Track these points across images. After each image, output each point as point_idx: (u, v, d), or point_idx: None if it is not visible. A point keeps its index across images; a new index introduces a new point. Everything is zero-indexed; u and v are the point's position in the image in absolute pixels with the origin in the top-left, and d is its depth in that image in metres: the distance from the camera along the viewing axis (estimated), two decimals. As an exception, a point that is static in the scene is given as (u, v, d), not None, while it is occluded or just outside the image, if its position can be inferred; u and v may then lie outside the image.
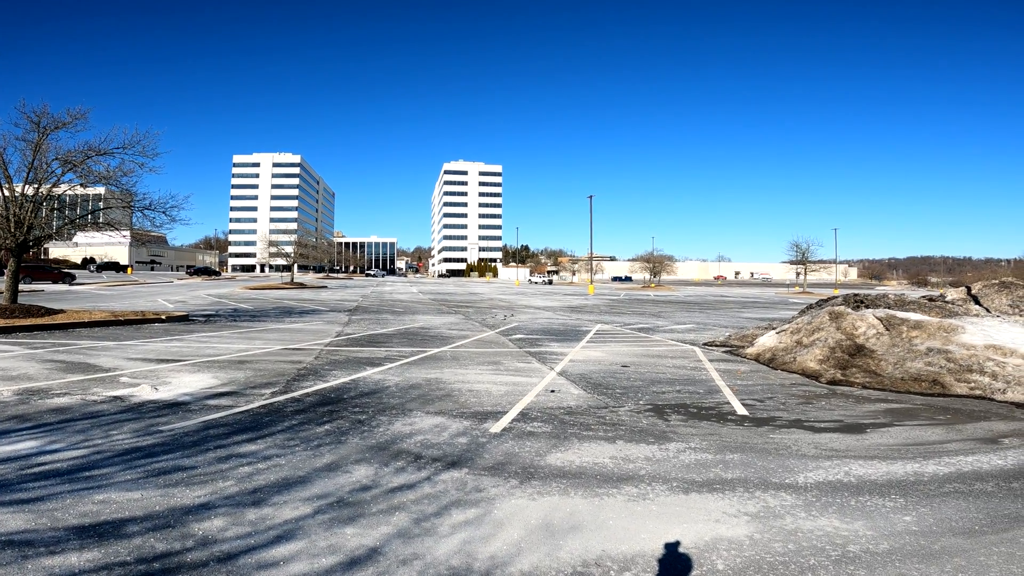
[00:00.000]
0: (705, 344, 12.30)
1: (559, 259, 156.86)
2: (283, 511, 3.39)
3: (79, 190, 16.25)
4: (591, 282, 49.45)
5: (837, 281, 70.56)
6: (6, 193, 14.03)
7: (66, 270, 45.34)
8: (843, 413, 6.29)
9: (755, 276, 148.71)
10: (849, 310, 10.38)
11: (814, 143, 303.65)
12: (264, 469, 4.08)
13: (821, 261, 63.14)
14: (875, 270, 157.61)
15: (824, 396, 7.18)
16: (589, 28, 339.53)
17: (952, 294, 12.69)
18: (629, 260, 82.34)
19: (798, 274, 65.67)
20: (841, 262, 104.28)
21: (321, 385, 7.14)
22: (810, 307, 13.09)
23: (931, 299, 12.14)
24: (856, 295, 12.35)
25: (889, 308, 10.77)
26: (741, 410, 6.35)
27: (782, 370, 9.02)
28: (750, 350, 10.65)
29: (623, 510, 3.58)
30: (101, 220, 16.93)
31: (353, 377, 7.73)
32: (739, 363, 9.76)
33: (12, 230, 13.78)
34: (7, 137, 14.13)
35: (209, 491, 3.64)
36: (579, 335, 13.77)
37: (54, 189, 14.84)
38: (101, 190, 17.14)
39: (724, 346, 11.92)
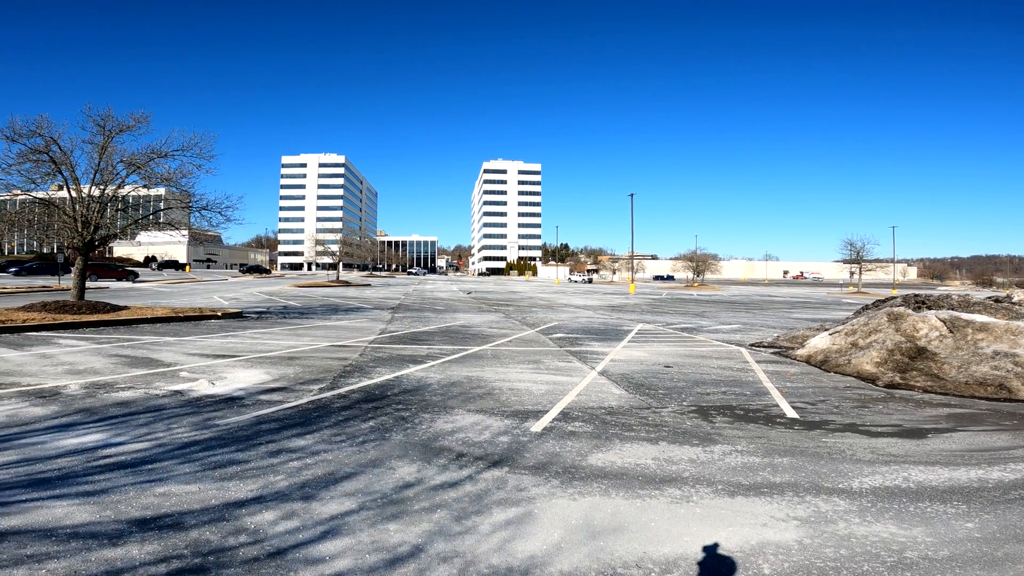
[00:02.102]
0: (752, 345, 11.94)
1: (599, 258, 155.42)
2: (329, 506, 3.47)
3: (142, 191, 17.09)
4: (632, 281, 48.73)
5: (895, 281, 67.04)
6: (74, 194, 14.81)
7: (130, 268, 47.98)
8: (902, 417, 6.03)
9: (805, 275, 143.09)
10: (909, 311, 9.87)
11: (870, 138, 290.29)
12: (312, 464, 4.20)
13: (877, 260, 60.16)
14: (936, 269, 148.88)
15: (881, 400, 6.89)
16: (629, 22, 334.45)
17: (1020, 295, 11.94)
18: (671, 259, 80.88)
19: (852, 273, 62.88)
20: (899, 261, 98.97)
21: (366, 382, 7.30)
22: (866, 308, 12.52)
23: (997, 300, 11.43)
24: (916, 296, 11.73)
25: (953, 309, 10.18)
26: (791, 413, 6.16)
27: (835, 372, 8.67)
28: (800, 352, 10.27)
29: (665, 512, 3.53)
30: (162, 220, 17.81)
31: (396, 374, 7.88)
32: (788, 365, 9.43)
33: (80, 229, 14.61)
34: (74, 140, 14.89)
35: (261, 485, 3.77)
36: (620, 334, 13.59)
37: (119, 190, 15.62)
38: (162, 191, 17.97)
39: (772, 347, 11.53)
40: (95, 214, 14.85)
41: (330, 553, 2.91)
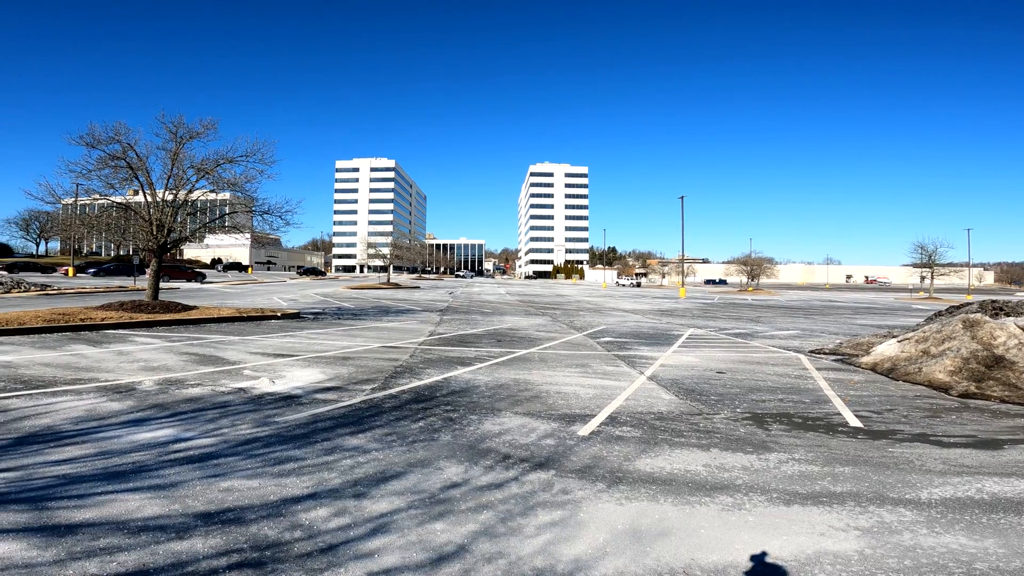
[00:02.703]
0: (812, 352, 11.45)
1: (648, 261, 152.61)
2: (379, 504, 3.57)
3: (209, 195, 18.03)
4: (682, 285, 47.58)
5: (970, 286, 62.60)
6: (149, 198, 15.75)
7: (198, 270, 50.92)
8: (977, 428, 5.70)
9: (875, 280, 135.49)
10: (987, 318, 9.20)
11: (943, 137, 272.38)
12: (364, 462, 4.33)
13: (951, 264, 56.32)
14: (1015, 274, 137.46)
15: (954, 410, 6.52)
16: (678, 18, 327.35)
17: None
18: (723, 262, 78.51)
19: (923, 278, 59.12)
20: (975, 265, 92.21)
21: (416, 383, 7.46)
22: (938, 314, 11.76)
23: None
24: (994, 301, 10.94)
25: (1038, 317, 9.40)
26: (854, 422, 5.91)
27: (904, 381, 8.22)
28: (865, 359, 9.76)
29: (716, 519, 3.46)
30: (227, 224, 18.73)
31: (445, 376, 8.00)
32: (852, 373, 9.00)
33: (154, 232, 15.57)
34: (149, 147, 15.87)
35: (315, 482, 3.91)
36: (670, 339, 13.30)
37: (189, 195, 16.52)
38: (227, 195, 18.92)
39: (834, 354, 11.02)
40: (168, 218, 15.75)
41: (378, 549, 2.99)
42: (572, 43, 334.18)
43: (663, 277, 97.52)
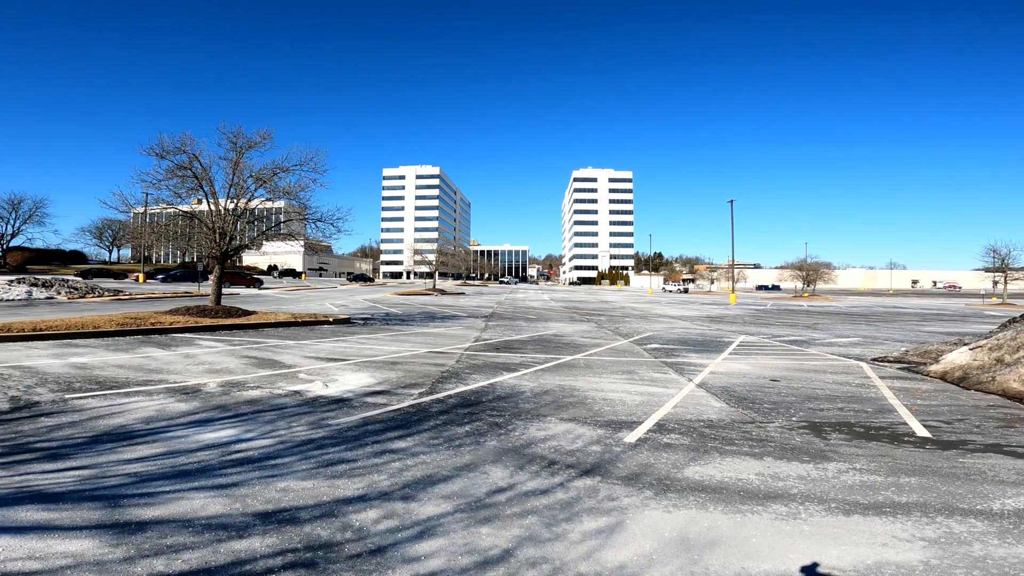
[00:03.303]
0: (874, 360, 10.92)
1: (695, 267, 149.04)
2: (426, 507, 3.63)
3: (266, 204, 18.77)
4: (732, 291, 46.16)
5: (1051, 290, 57.91)
6: (213, 207, 16.56)
7: (256, 276, 53.29)
8: (1057, 442, 5.31)
9: (938, 285, 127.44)
10: (1073, 328, 8.51)
11: (1020, 134, 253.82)
12: (412, 466, 4.42)
13: (1027, 268, 52.41)
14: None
15: (1033, 424, 6.08)
16: (726, 17, 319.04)
17: None
18: (776, 268, 75.68)
19: (995, 283, 55.28)
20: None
21: (462, 388, 7.55)
22: (1013, 320, 10.97)
23: None
24: (1082, 309, 10.08)
25: None
26: (922, 431, 5.65)
27: (976, 391, 7.77)
28: (934, 368, 9.23)
29: (769, 528, 3.36)
30: (283, 231, 19.49)
31: (491, 381, 8.07)
32: (919, 382, 8.55)
33: (217, 240, 16.37)
34: (212, 157, 16.68)
35: (366, 484, 4.02)
36: (720, 346, 12.94)
37: (248, 203, 17.25)
38: (281, 203, 19.68)
39: (899, 362, 10.47)
40: (230, 225, 16.51)
41: (425, 552, 3.05)
42: (615, 46, 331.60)
43: (712, 283, 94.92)
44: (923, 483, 4.16)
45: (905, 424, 5.98)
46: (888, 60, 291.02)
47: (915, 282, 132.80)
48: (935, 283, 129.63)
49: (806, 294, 56.84)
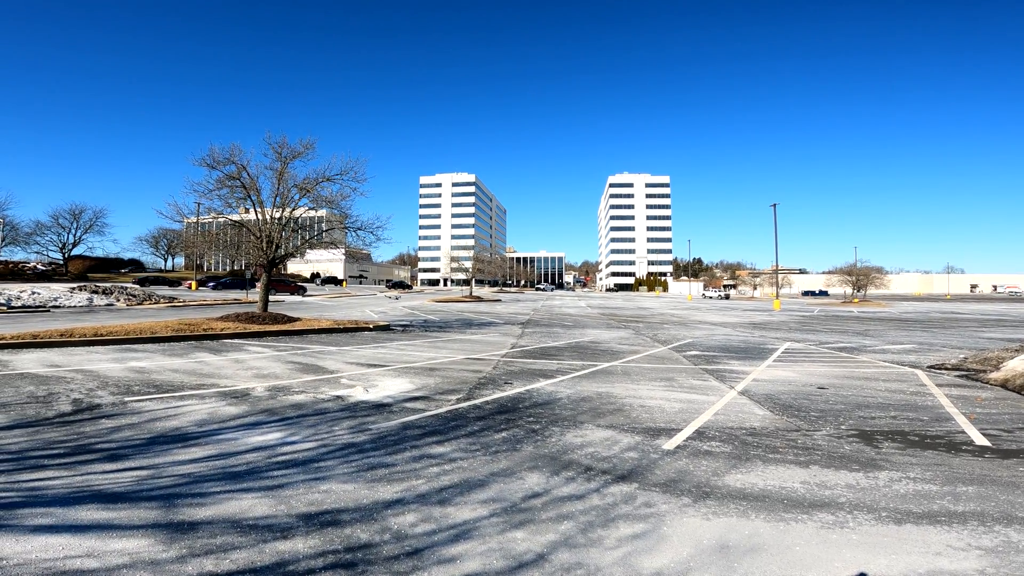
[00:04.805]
0: (930, 367, 10.41)
1: (736, 272, 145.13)
2: (463, 511, 3.67)
3: (309, 212, 19.34)
4: (776, 297, 44.73)
5: None
6: (260, 216, 17.17)
7: (300, 283, 54.98)
8: None
9: (999, 290, 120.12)
10: None
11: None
12: (449, 470, 4.47)
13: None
14: None
15: (1105, 437, 5.70)
16: (775, 13, 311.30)
17: None
18: (824, 272, 72.99)
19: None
20: None
21: (499, 394, 7.59)
22: (1089, 330, 10.26)
23: None
24: None
25: None
26: (980, 440, 5.40)
27: (1042, 403, 7.27)
28: (995, 375, 8.76)
29: (814, 536, 3.27)
30: (325, 239, 20.04)
31: (528, 388, 8.08)
32: (978, 389, 8.13)
33: (264, 248, 16.97)
34: (259, 167, 17.21)
35: (405, 488, 4.09)
36: (763, 353, 12.56)
37: (293, 212, 17.78)
38: (323, 212, 20.26)
39: (957, 369, 9.95)
40: (276, 234, 17.10)
41: (460, 555, 3.08)
42: (653, 46, 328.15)
43: (754, 289, 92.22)
44: (981, 492, 4.01)
45: (963, 432, 5.73)
46: (942, 55, 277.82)
47: (974, 287, 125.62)
48: (996, 287, 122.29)
49: (856, 300, 54.51)
